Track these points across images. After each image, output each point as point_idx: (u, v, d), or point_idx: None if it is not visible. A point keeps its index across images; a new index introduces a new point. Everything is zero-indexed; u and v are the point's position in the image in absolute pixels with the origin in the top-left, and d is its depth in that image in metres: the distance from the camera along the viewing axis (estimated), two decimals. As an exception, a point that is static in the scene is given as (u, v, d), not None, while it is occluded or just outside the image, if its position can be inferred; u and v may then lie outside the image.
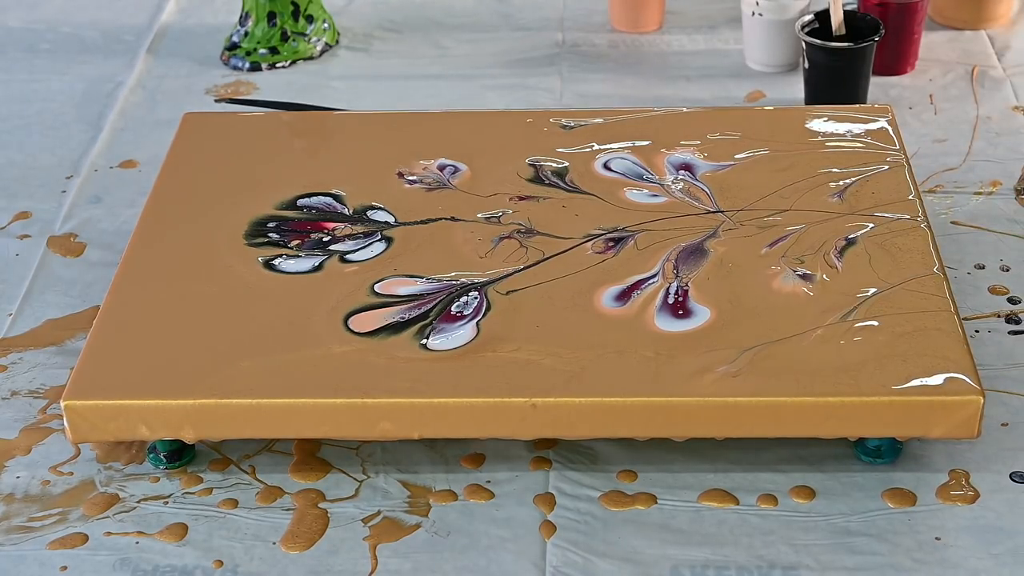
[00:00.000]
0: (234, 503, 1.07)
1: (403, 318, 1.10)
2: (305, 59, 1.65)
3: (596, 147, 1.30)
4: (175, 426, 1.04)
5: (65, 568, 1.02)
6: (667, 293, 1.11)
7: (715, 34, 1.68)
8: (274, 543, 1.03)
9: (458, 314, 1.10)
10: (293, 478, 1.09)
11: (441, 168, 1.28)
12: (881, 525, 1.03)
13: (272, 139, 1.34)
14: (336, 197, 1.24)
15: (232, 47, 1.66)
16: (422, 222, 1.21)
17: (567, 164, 1.27)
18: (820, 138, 1.30)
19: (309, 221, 1.21)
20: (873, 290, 1.11)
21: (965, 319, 1.18)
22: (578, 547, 1.02)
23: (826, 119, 1.32)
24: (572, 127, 1.33)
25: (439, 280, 1.14)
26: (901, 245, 1.16)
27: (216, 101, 1.58)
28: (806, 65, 1.47)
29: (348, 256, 1.17)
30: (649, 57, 1.64)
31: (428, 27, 1.73)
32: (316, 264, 1.16)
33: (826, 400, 1.02)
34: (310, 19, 1.66)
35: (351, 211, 1.22)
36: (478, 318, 1.10)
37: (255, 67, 1.64)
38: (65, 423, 1.05)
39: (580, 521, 1.04)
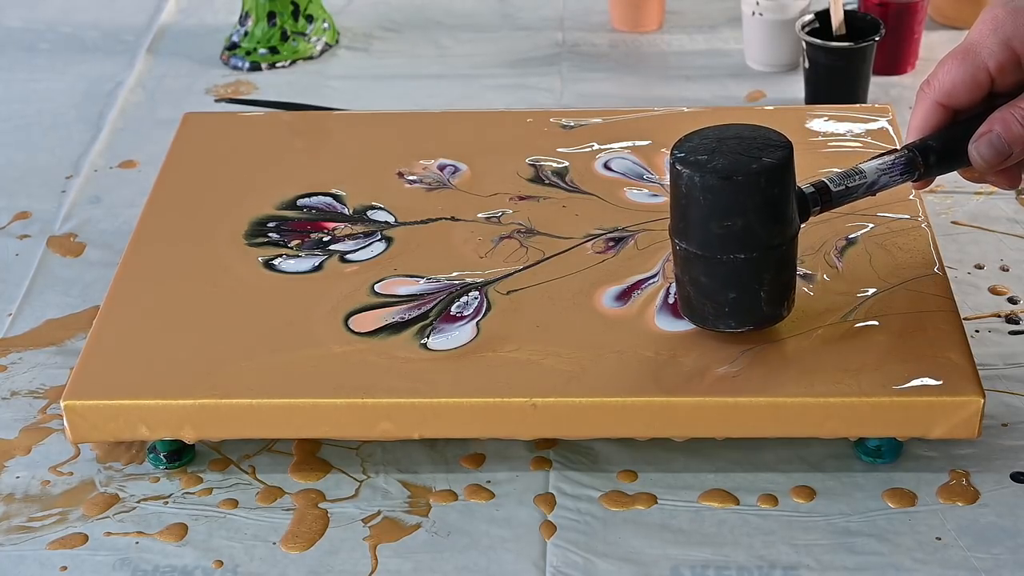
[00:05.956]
0: (234, 503, 1.06)
1: (403, 318, 1.10)
2: (305, 59, 1.66)
3: (596, 147, 1.30)
4: (175, 426, 1.04)
5: (65, 568, 1.02)
6: (667, 293, 1.11)
7: (715, 34, 1.68)
8: (274, 543, 1.03)
9: (458, 314, 1.10)
10: (293, 478, 1.09)
11: (441, 168, 1.28)
12: (881, 525, 1.03)
13: (272, 139, 1.34)
14: (336, 197, 1.24)
15: (232, 47, 1.66)
16: (422, 222, 1.21)
17: (567, 164, 1.27)
18: (820, 138, 1.30)
19: (309, 221, 1.21)
20: (873, 290, 1.11)
21: (965, 319, 1.18)
22: (578, 547, 1.02)
23: (826, 119, 1.32)
24: (572, 127, 1.33)
25: (439, 280, 1.14)
26: (901, 245, 1.15)
27: (216, 101, 1.58)
28: (806, 65, 1.47)
29: (348, 256, 1.17)
30: (649, 57, 1.64)
31: (428, 27, 1.73)
32: (316, 264, 1.16)
33: (826, 400, 1.02)
34: (310, 19, 1.66)
35: (351, 211, 1.22)
36: (478, 318, 1.09)
37: (255, 67, 1.64)
38: (65, 423, 1.05)
39: (580, 521, 1.04)
